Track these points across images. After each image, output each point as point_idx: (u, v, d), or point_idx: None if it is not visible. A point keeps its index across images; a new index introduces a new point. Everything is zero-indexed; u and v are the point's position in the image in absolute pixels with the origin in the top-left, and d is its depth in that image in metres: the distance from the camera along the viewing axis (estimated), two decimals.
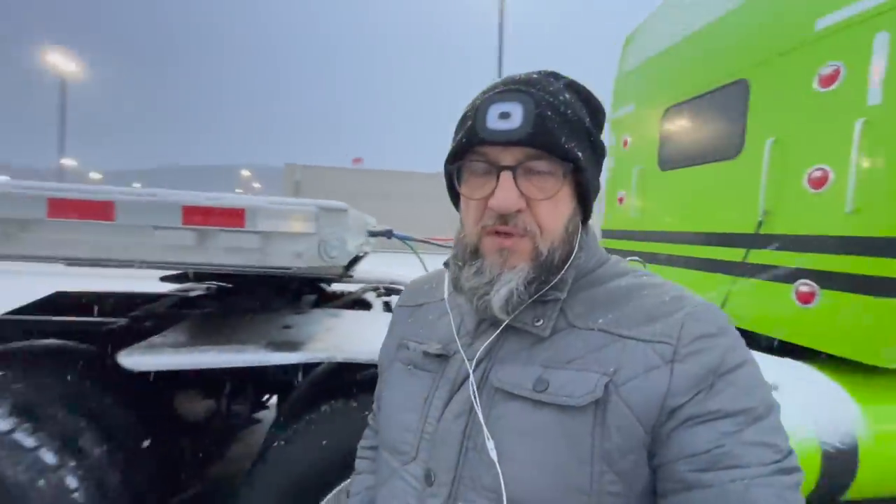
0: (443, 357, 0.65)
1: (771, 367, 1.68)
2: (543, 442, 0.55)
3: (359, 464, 0.84)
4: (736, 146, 2.31)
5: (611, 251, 0.74)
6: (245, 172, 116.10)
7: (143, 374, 1.30)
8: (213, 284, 2.38)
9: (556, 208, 0.59)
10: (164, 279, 2.22)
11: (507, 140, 0.56)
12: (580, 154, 0.59)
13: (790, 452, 0.52)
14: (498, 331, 0.62)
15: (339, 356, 1.32)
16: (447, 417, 0.61)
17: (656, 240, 2.98)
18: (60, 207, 1.12)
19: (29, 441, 1.20)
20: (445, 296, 0.72)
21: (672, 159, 2.88)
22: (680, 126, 2.80)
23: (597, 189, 0.65)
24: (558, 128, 0.57)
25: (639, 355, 0.55)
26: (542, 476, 0.54)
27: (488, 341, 0.62)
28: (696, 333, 0.55)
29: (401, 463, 0.64)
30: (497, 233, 0.59)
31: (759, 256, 2.13)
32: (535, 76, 0.61)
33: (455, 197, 0.67)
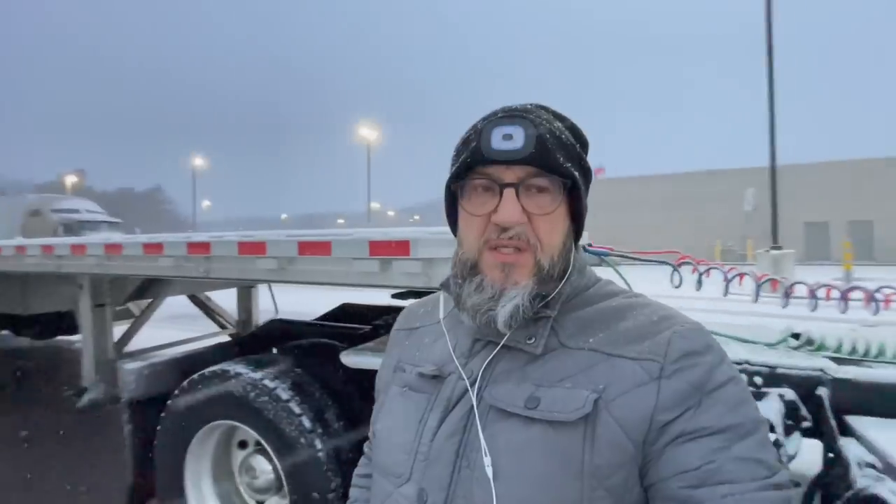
0: (438, 378, 0.67)
1: None
2: (535, 458, 0.56)
3: (353, 492, 0.86)
4: None
5: None
6: None
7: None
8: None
9: (554, 224, 0.62)
10: (394, 296, 2.77)
11: (511, 159, 0.60)
12: (576, 173, 0.63)
13: (779, 469, 0.53)
14: (496, 350, 0.64)
15: None
16: (440, 437, 0.62)
17: None
18: (304, 247, 1.62)
19: (297, 409, 1.74)
20: (441, 317, 0.73)
21: None
22: None
23: (586, 209, 0.67)
24: (556, 149, 0.61)
25: (627, 372, 0.57)
26: (533, 493, 0.55)
27: (487, 359, 0.64)
28: (682, 351, 0.57)
29: (395, 486, 0.65)
30: (498, 248, 0.61)
31: None
32: (529, 106, 0.65)
33: (452, 218, 0.70)
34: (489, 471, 0.56)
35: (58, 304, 4.65)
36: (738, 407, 0.55)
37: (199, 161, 44.20)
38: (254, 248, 1.72)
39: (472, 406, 0.62)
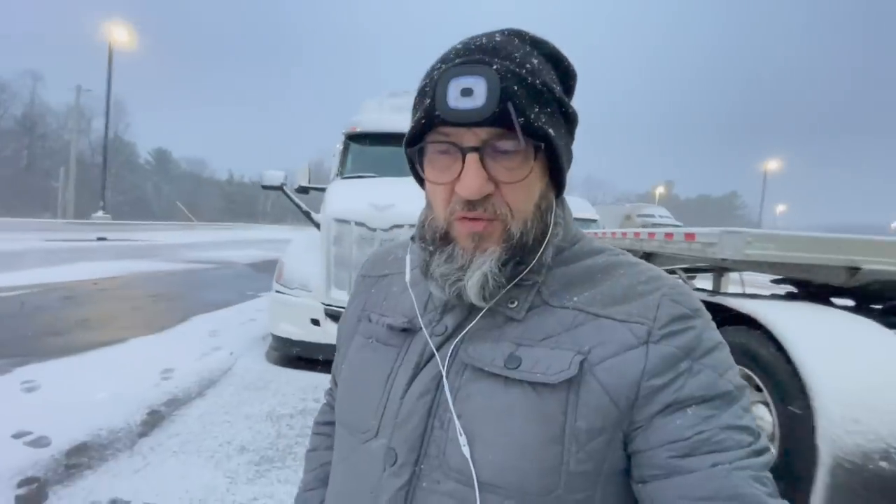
0: (408, 331, 0.63)
1: None
2: (514, 421, 0.53)
3: (314, 440, 0.83)
4: None
5: None
6: None
7: None
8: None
9: (526, 189, 0.56)
10: (772, 281, 3.43)
11: (471, 120, 0.51)
12: (551, 130, 0.54)
13: (760, 434, 0.53)
14: (479, 316, 0.59)
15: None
16: (411, 395, 0.59)
17: None
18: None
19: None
20: (407, 278, 0.68)
21: None
22: None
23: (570, 161, 0.60)
24: (527, 103, 0.52)
25: (615, 335, 0.55)
26: (512, 457, 0.53)
27: (457, 318, 0.61)
28: (672, 315, 0.55)
29: (360, 441, 0.62)
30: (467, 219, 0.55)
31: None
32: (497, 38, 0.55)
33: (420, 175, 0.61)
34: (464, 443, 0.54)
35: None
36: (725, 373, 0.54)
37: (772, 164, 42.55)
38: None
39: (445, 364, 0.58)
